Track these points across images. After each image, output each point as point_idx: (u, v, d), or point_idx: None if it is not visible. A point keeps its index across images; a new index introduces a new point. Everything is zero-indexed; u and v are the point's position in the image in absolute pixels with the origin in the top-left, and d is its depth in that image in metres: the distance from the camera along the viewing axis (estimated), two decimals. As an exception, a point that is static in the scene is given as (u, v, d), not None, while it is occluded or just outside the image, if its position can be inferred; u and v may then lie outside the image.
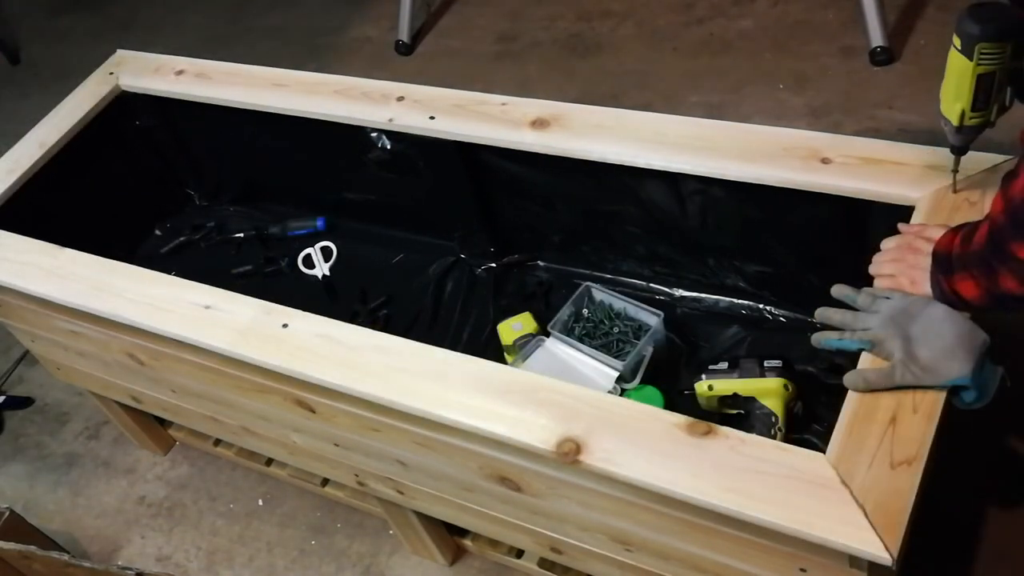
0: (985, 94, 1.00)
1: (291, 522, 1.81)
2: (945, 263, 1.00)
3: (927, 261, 1.03)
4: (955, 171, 1.13)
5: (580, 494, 1.12)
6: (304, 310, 1.27)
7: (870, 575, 0.94)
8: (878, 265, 1.10)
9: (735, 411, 1.34)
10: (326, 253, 1.81)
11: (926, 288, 1.03)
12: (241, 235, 1.89)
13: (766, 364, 1.31)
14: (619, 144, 1.35)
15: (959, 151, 1.10)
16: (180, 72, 1.74)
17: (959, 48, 0.98)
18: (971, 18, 0.97)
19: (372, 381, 1.16)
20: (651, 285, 1.58)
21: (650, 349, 1.43)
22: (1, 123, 2.87)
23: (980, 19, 0.96)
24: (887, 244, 1.11)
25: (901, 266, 1.06)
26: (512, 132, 1.42)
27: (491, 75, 2.63)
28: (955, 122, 1.03)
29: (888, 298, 1.05)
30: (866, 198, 1.20)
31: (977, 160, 1.15)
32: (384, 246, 1.78)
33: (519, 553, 1.53)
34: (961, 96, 1.01)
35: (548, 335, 1.51)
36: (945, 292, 1.00)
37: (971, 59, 0.97)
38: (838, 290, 1.10)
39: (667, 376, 1.44)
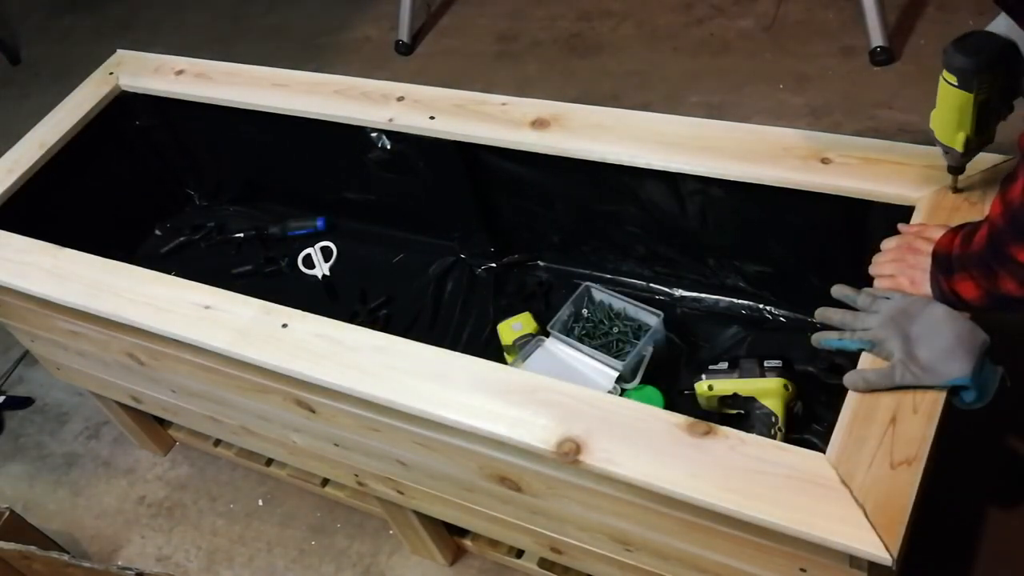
0: (987, 117, 1.01)
1: (291, 522, 1.81)
2: (945, 264, 1.00)
3: (927, 261, 1.03)
4: (955, 188, 1.13)
5: (580, 494, 1.12)
6: (304, 310, 1.27)
7: (870, 575, 0.94)
8: (878, 265, 1.10)
9: (735, 411, 1.34)
10: (326, 253, 1.81)
11: (926, 288, 1.03)
12: (241, 235, 1.89)
13: (766, 364, 1.31)
14: (619, 144, 1.35)
15: (958, 171, 1.10)
16: (180, 72, 1.74)
17: (955, 83, 0.98)
18: (962, 53, 0.97)
19: (372, 381, 1.16)
20: (651, 285, 1.58)
21: (650, 349, 1.43)
22: (1, 123, 2.87)
23: (971, 52, 0.97)
24: (887, 244, 1.11)
25: (901, 266, 1.07)
26: (512, 132, 1.42)
27: (491, 75, 2.63)
28: (960, 149, 1.04)
29: (888, 298, 1.05)
30: (866, 198, 1.20)
31: (976, 160, 1.15)
32: (384, 246, 1.77)
33: (519, 553, 1.53)
34: (964, 125, 1.01)
35: (548, 335, 1.51)
36: (945, 292, 1.00)
37: (971, 91, 0.98)
38: (838, 290, 1.10)
39: (667, 376, 1.43)
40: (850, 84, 2.27)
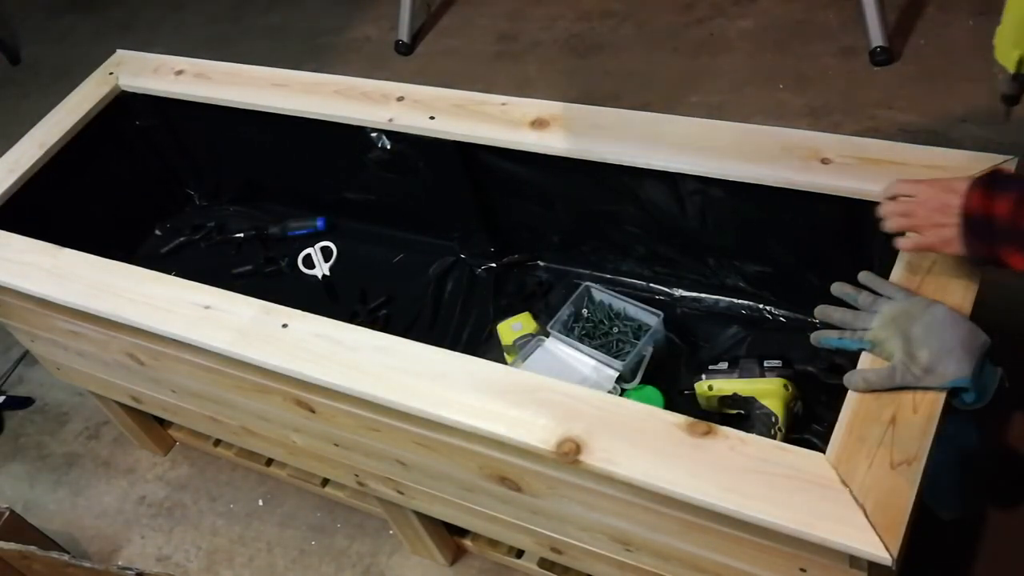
0: None
1: (291, 522, 1.81)
2: (984, 230, 0.94)
3: (958, 219, 0.97)
4: (1006, 117, 1.09)
5: (580, 494, 1.12)
6: (304, 310, 1.27)
7: (870, 575, 0.94)
8: (895, 220, 1.03)
9: (735, 411, 1.34)
10: (326, 253, 1.81)
11: (958, 248, 0.98)
12: (241, 235, 1.89)
13: (766, 364, 1.31)
14: (619, 144, 1.35)
15: (1011, 100, 1.05)
16: (180, 72, 1.74)
17: None
18: None
19: (372, 381, 1.16)
20: (651, 285, 1.58)
21: (650, 349, 1.43)
22: (1, 123, 2.87)
23: None
24: (901, 189, 1.02)
25: (930, 229, 1.00)
26: (512, 132, 1.42)
27: (491, 75, 2.63)
28: (1012, 68, 0.99)
29: (890, 298, 1.05)
30: (866, 198, 1.20)
31: (977, 160, 1.15)
32: (384, 246, 1.77)
33: (519, 553, 1.53)
34: (1021, 43, 0.97)
35: (548, 335, 1.51)
36: (983, 257, 0.96)
37: None
38: (838, 288, 1.10)
39: (667, 376, 1.43)
40: (850, 84, 2.27)
